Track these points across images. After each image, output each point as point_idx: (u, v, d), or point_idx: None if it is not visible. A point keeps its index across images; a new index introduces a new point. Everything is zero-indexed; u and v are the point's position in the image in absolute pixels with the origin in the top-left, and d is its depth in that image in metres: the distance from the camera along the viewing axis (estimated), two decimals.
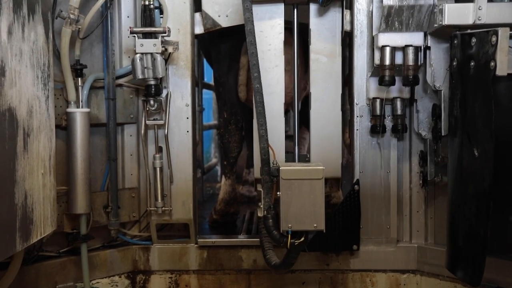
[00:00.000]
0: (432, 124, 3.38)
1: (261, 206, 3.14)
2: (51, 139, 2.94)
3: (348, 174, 3.77)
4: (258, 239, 3.28)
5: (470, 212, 2.81)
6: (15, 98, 2.46)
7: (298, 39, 3.49)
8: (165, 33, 3.30)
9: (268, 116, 3.23)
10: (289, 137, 5.12)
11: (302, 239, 2.98)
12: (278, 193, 3.00)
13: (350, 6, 3.45)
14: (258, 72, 3.17)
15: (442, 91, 3.20)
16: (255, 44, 3.15)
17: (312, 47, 3.51)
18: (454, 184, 3.00)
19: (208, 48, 4.24)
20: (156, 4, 3.40)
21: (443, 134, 3.22)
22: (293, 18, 3.52)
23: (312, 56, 3.53)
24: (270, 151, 3.14)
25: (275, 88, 3.52)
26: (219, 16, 3.57)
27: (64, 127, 3.35)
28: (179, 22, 3.52)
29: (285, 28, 3.52)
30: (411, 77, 3.23)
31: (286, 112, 4.61)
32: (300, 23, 3.51)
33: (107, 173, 3.56)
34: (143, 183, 3.64)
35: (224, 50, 3.98)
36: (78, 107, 3.34)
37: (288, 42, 3.52)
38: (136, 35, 3.29)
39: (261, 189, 3.16)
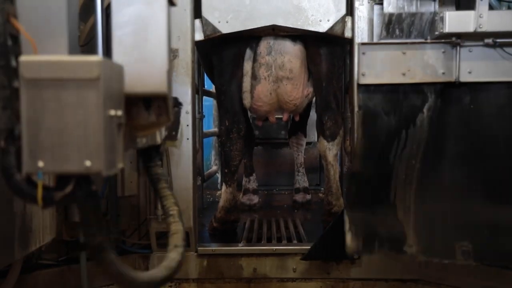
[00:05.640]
0: None
1: None
2: None
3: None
4: (259, 247, 3.21)
5: None
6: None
7: (301, 45, 3.41)
8: None
9: None
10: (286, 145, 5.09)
11: (68, 188, 1.72)
12: None
13: (351, 13, 3.45)
14: None
15: None
16: None
17: None
18: None
19: (209, 56, 4.21)
20: None
21: None
22: None
23: None
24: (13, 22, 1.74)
25: None
26: (219, 22, 3.55)
27: None
28: (179, 29, 3.50)
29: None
30: None
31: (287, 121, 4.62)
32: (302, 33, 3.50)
33: (107, 181, 3.54)
34: (142, 191, 3.63)
35: (226, 57, 3.95)
36: None
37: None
38: None
39: None
